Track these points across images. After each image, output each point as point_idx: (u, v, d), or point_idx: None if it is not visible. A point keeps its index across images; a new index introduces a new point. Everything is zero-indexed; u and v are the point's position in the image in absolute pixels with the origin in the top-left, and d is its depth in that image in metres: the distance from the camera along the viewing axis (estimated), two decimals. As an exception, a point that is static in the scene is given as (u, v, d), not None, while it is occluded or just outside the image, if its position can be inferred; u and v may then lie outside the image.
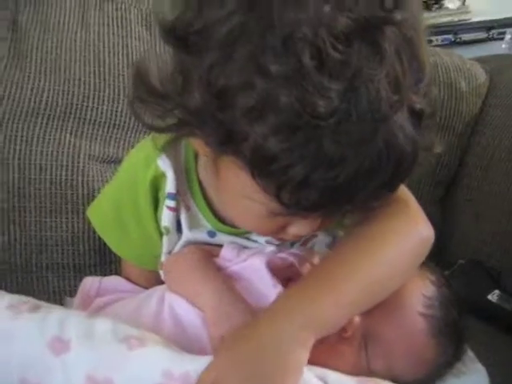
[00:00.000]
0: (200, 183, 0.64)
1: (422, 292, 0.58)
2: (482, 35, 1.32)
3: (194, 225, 0.65)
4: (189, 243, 0.65)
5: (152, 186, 0.64)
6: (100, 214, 0.72)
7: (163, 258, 0.67)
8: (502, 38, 1.22)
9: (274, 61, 0.42)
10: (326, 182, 0.45)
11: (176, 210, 0.64)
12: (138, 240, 0.68)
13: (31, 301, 0.56)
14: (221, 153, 0.50)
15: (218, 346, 0.53)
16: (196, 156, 0.64)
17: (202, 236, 0.65)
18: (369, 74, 0.43)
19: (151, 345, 0.51)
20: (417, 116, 0.46)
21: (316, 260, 0.64)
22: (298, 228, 0.55)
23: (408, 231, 0.58)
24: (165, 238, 0.66)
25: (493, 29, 1.31)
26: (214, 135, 0.47)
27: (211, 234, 0.66)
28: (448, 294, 0.59)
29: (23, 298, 0.56)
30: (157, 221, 0.65)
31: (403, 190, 0.60)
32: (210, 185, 0.64)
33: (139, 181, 0.64)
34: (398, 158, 0.46)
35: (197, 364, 0.50)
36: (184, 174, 0.64)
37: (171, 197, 0.63)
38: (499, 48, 1.20)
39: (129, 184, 0.66)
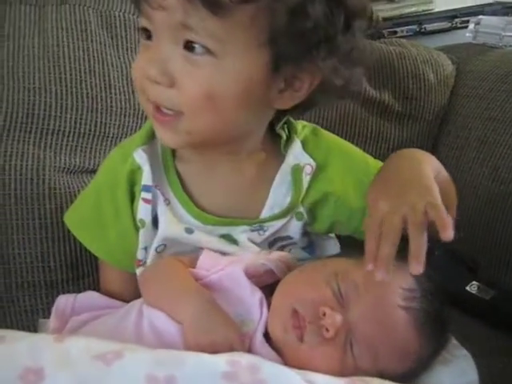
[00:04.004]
0: (179, 176, 0.67)
1: (401, 285, 0.57)
2: (445, 25, 1.34)
3: (172, 220, 0.66)
4: (165, 240, 0.66)
5: (128, 180, 0.66)
6: (77, 216, 0.73)
7: (139, 255, 0.67)
8: (466, 27, 1.24)
9: None
10: None
11: (152, 203, 0.65)
12: (115, 237, 0.68)
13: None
14: None
15: None
16: (174, 151, 0.67)
17: (179, 233, 0.66)
18: None
19: (129, 354, 0.50)
20: None
21: (294, 264, 0.64)
22: None
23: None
24: (141, 232, 0.66)
25: (456, 18, 1.34)
26: None
27: (189, 230, 0.66)
28: (428, 285, 0.59)
29: None
30: (133, 215, 0.67)
31: None
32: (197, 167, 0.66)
33: (118, 176, 0.67)
34: None
35: (181, 365, 0.49)
36: (162, 168, 0.67)
37: (147, 189, 0.65)
38: (463, 37, 1.21)
39: (108, 180, 0.69)
